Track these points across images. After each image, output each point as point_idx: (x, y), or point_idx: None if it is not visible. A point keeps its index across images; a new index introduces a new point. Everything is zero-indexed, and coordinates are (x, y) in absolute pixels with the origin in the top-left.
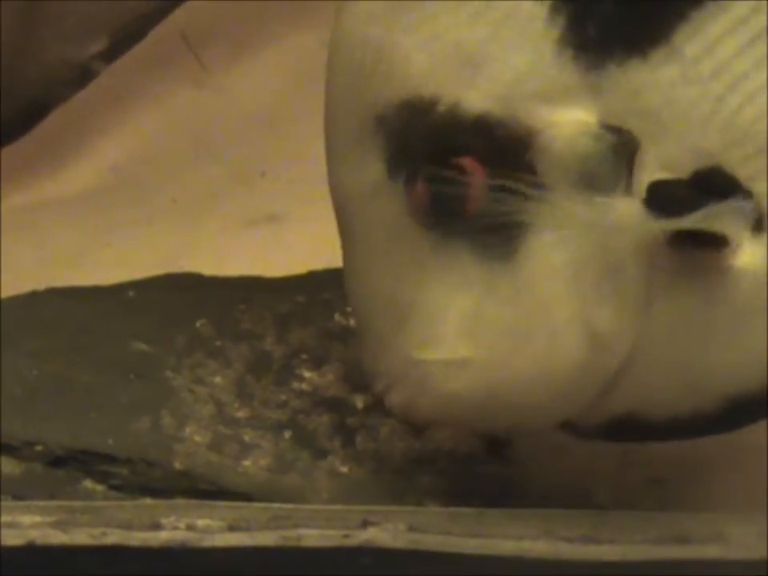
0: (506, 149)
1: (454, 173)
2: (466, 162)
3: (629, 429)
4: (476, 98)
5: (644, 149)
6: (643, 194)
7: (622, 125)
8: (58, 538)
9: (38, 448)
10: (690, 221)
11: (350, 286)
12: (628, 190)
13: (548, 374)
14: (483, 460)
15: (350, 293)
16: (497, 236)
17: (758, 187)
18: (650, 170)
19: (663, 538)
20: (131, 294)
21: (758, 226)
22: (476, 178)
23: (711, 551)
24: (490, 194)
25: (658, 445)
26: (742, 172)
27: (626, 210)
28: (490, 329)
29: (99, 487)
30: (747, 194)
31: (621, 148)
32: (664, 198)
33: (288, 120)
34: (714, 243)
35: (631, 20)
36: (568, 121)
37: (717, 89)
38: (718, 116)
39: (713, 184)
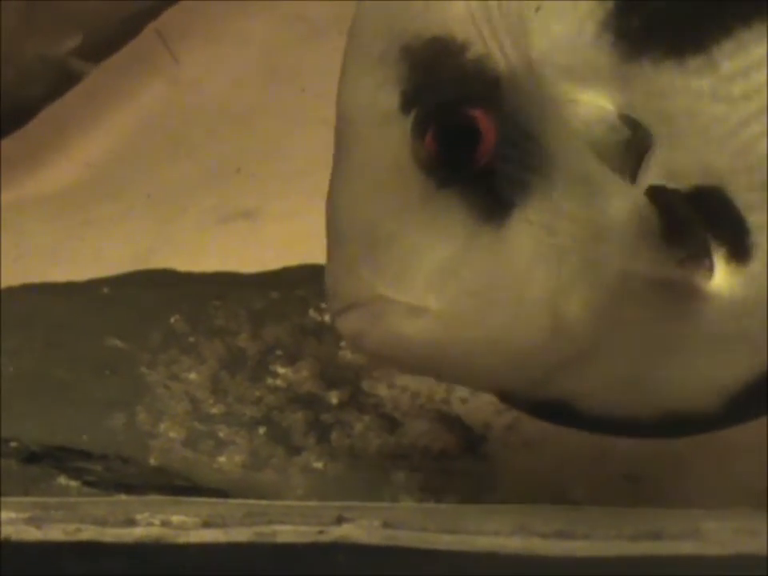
0: (523, 113)
1: (466, 124)
2: (481, 115)
3: (558, 413)
4: (508, 55)
5: (655, 151)
6: (642, 197)
7: (641, 122)
8: (32, 534)
9: (13, 444)
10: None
11: (334, 201)
12: (628, 186)
13: (503, 345)
14: (458, 456)
15: (332, 208)
16: (494, 198)
17: (755, 218)
18: (655, 174)
19: (638, 534)
20: (106, 290)
21: (742, 257)
22: (488, 134)
23: (686, 547)
24: (498, 153)
25: (632, 441)
26: (743, 199)
27: (620, 209)
28: (460, 286)
29: (74, 483)
30: (737, 224)
31: (633, 144)
32: (658, 206)
33: (263, 116)
34: (687, 265)
35: (677, 22)
36: (589, 103)
37: (743, 112)
38: (735, 139)
39: (709, 204)
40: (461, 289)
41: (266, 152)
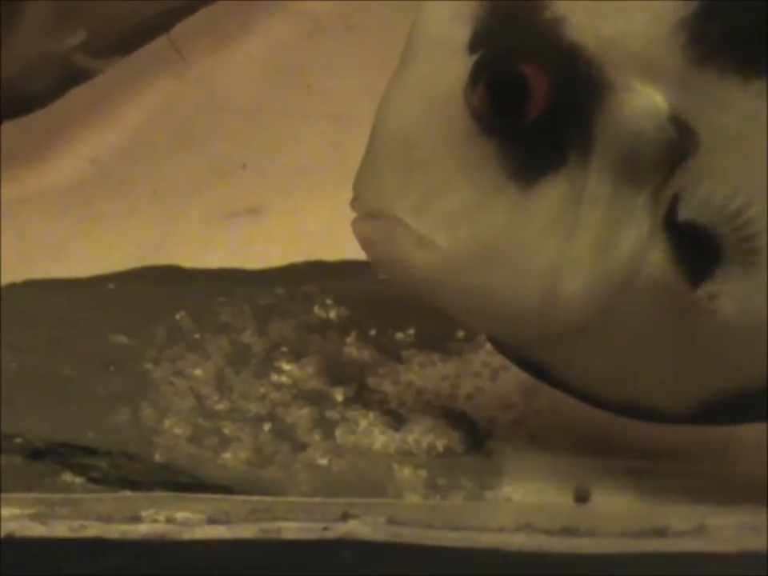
0: (581, 86)
1: (519, 78)
2: (535, 73)
3: (538, 373)
4: (583, 25)
5: (695, 159)
6: (666, 206)
7: (692, 128)
8: (36, 530)
9: (18, 440)
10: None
11: (386, 108)
12: (659, 188)
13: (496, 300)
14: (463, 452)
15: (381, 113)
16: (530, 158)
17: (758, 243)
18: (691, 181)
19: (643, 531)
20: (111, 286)
21: (747, 285)
22: (539, 92)
23: (691, 544)
24: (546, 116)
25: (638, 436)
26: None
27: (643, 213)
28: (473, 232)
29: (78, 480)
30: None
31: (676, 147)
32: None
33: (269, 113)
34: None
35: (755, 40)
36: (646, 95)
37: None
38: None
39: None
40: (473, 235)
41: (272, 148)
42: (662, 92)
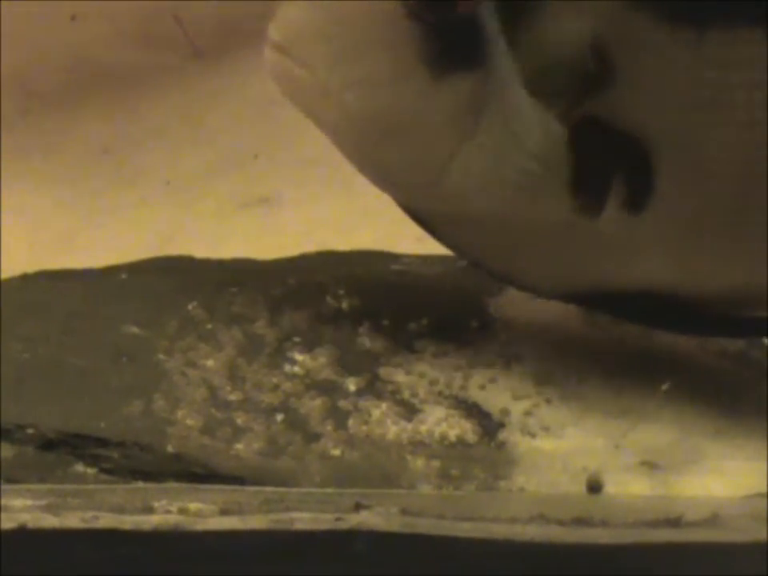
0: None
1: None
2: None
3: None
4: None
5: (609, 92)
6: (572, 129)
7: (612, 60)
8: (49, 521)
9: (30, 431)
10: None
11: None
12: (569, 110)
13: (386, 170)
14: (476, 443)
15: None
16: (450, 50)
17: (662, 181)
18: (602, 110)
19: (656, 521)
20: (123, 276)
21: (635, 207)
22: None
23: (704, 534)
24: (472, 14)
25: (651, 428)
26: (660, 160)
27: (547, 129)
28: (380, 102)
29: (91, 471)
30: (643, 178)
31: (591, 76)
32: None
33: (281, 103)
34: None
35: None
36: (571, 22)
37: (699, 97)
38: (681, 110)
39: (627, 151)
40: (378, 106)
41: (285, 138)
42: (590, 24)
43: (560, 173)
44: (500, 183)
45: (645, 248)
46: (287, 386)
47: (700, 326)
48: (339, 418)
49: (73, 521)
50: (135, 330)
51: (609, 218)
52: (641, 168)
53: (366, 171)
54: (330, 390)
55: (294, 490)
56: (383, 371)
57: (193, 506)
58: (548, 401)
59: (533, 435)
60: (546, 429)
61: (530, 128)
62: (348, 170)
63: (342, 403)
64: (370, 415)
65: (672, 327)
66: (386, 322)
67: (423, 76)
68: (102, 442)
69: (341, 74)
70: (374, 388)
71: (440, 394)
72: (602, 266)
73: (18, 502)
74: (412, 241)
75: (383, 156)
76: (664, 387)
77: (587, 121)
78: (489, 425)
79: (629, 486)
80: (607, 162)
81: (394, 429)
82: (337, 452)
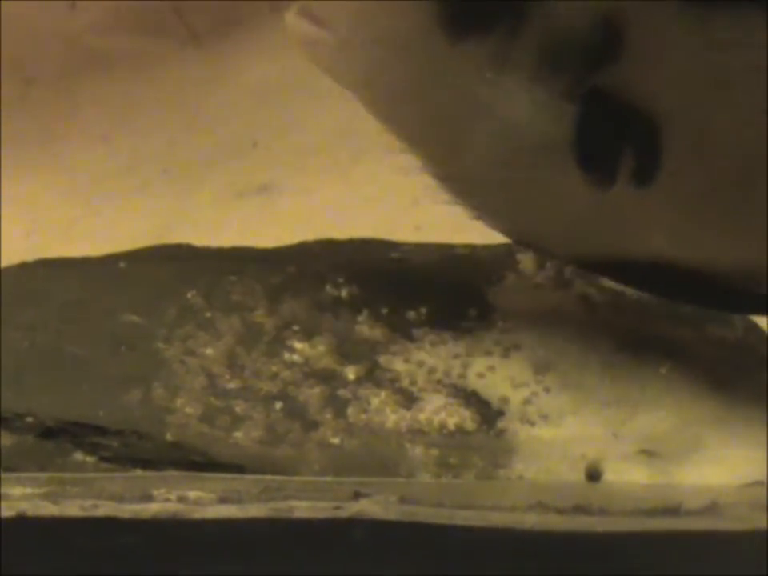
0: None
1: None
2: None
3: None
4: None
5: (618, 65)
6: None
7: (621, 35)
8: (48, 509)
9: (29, 420)
10: None
11: None
12: (578, 81)
13: (403, 130)
14: (475, 431)
15: None
16: (467, 14)
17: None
18: (611, 83)
19: (655, 509)
20: (122, 265)
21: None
22: None
23: (704, 522)
24: None
25: (650, 416)
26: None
27: (556, 98)
28: (396, 62)
29: (90, 459)
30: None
31: (602, 49)
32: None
33: (280, 91)
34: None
35: None
36: None
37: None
38: (690, 86)
39: (637, 125)
40: (393, 65)
41: (283, 126)
42: None
43: (568, 146)
44: (513, 150)
45: (653, 221)
46: (286, 374)
47: (710, 298)
48: (338, 406)
49: (72, 509)
50: (134, 318)
51: (618, 191)
52: (649, 142)
53: (389, 129)
54: (328, 378)
55: (294, 478)
56: (382, 359)
57: (192, 494)
58: (547, 389)
59: (532, 423)
60: (545, 417)
61: (538, 100)
62: (347, 158)
63: (341, 391)
64: (369, 403)
65: (682, 299)
66: (385, 311)
67: (439, 39)
68: (101, 431)
69: (359, 33)
70: (373, 376)
71: (439, 382)
72: (613, 236)
73: (17, 491)
74: (411, 229)
75: (402, 116)
76: (663, 370)
77: (596, 95)
78: (488, 413)
79: (628, 475)
80: (616, 135)
81: (392, 417)
82: (336, 440)
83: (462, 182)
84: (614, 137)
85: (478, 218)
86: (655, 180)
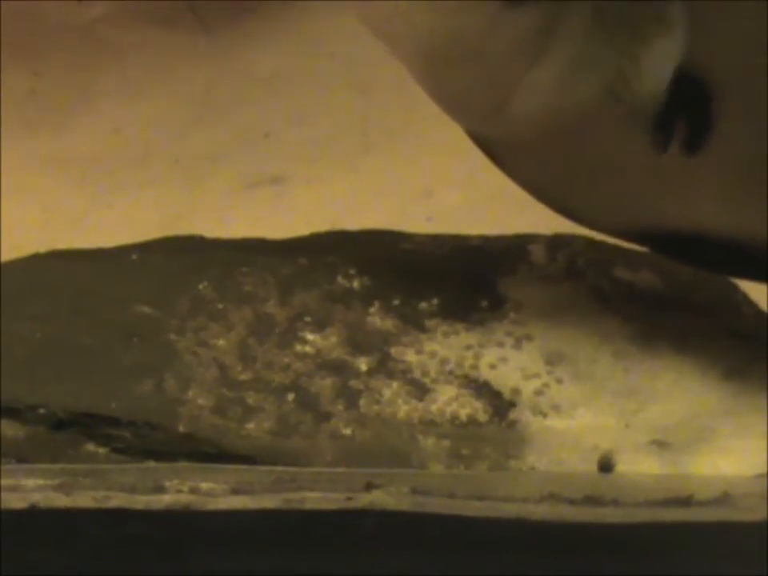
0: None
1: None
2: None
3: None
4: None
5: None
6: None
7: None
8: (60, 501)
9: (41, 411)
10: None
11: None
12: (630, 45)
13: (455, 95)
14: (486, 422)
15: None
16: None
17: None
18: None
19: (667, 500)
20: (134, 256)
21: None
22: None
23: (716, 513)
24: None
25: (661, 407)
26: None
27: (610, 62)
28: (452, 25)
29: (102, 450)
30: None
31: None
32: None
33: (292, 81)
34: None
35: None
36: None
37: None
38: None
39: (693, 93)
40: (450, 30)
41: (295, 117)
42: None
43: (625, 107)
44: (563, 111)
45: (701, 190)
46: (298, 365)
47: (749, 270)
48: (350, 397)
49: (84, 500)
50: (146, 309)
51: (668, 158)
52: (701, 109)
53: (434, 95)
54: (340, 369)
55: (305, 469)
56: (394, 350)
57: (204, 485)
58: (559, 380)
59: (544, 414)
60: (557, 408)
61: (599, 60)
62: (359, 149)
63: (353, 382)
64: (381, 395)
65: (720, 270)
66: (396, 302)
67: (494, 4)
68: (114, 422)
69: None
70: (384, 367)
71: (451, 373)
72: (658, 204)
73: (29, 482)
74: (423, 220)
75: (451, 79)
76: (674, 361)
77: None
78: (499, 404)
79: (640, 465)
80: (672, 100)
81: (404, 408)
82: (348, 431)
83: (511, 149)
84: (670, 100)
85: (521, 185)
86: (705, 148)
